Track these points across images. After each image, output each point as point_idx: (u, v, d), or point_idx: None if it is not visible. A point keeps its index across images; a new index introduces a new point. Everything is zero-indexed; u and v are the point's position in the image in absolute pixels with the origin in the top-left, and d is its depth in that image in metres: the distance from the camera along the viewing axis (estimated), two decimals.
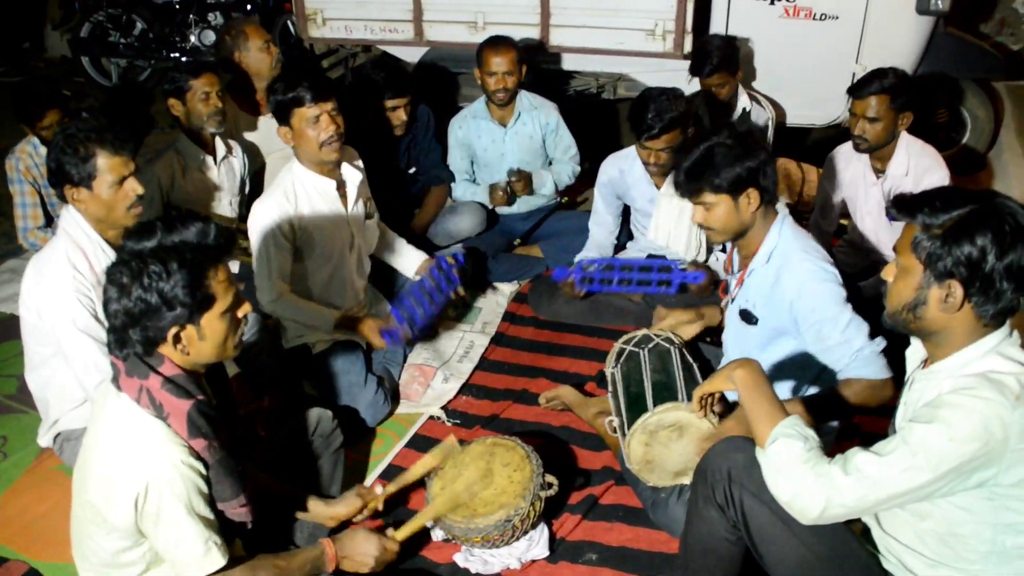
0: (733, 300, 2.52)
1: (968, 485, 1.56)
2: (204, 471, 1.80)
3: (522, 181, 3.93)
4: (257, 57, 3.86)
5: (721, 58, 3.94)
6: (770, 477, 1.69)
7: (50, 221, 3.96)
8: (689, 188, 2.34)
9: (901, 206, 1.63)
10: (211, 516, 1.83)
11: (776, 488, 1.67)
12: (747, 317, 2.46)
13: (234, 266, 3.61)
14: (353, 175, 3.08)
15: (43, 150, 3.83)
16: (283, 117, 2.86)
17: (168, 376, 1.75)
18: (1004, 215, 1.52)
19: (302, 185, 2.94)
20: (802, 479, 1.62)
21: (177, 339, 1.74)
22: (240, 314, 1.83)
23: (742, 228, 2.36)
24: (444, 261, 3.32)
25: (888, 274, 1.70)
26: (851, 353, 2.23)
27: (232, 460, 1.85)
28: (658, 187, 3.42)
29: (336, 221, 3.03)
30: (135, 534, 1.80)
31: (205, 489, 1.81)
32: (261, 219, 2.89)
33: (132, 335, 1.71)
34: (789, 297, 2.31)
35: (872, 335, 2.25)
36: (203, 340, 1.77)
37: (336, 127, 2.85)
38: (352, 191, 3.09)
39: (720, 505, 1.86)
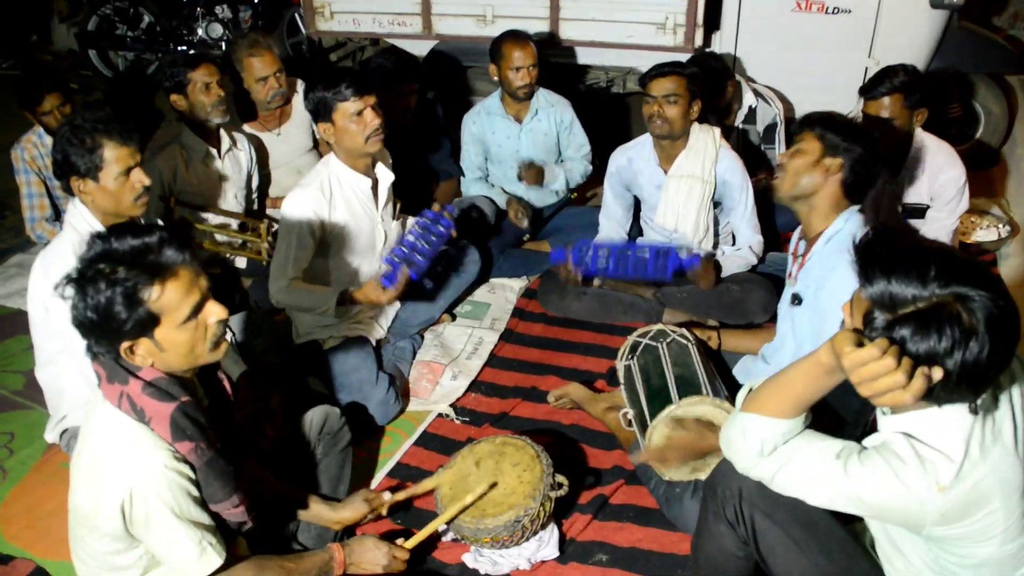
0: (794, 284, 2.50)
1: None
2: (192, 474, 1.76)
3: (533, 171, 3.89)
4: (254, 88, 3.79)
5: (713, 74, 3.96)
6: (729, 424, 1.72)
7: (57, 213, 3.95)
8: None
9: (860, 263, 1.47)
10: (203, 518, 1.79)
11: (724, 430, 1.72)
12: (795, 299, 2.45)
13: (241, 262, 3.60)
14: (386, 175, 3.13)
15: (48, 140, 3.84)
16: (325, 113, 2.89)
17: (149, 380, 1.70)
18: (959, 312, 1.34)
19: (338, 180, 2.98)
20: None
21: (131, 351, 1.68)
22: (212, 320, 1.73)
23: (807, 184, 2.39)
24: (430, 212, 3.18)
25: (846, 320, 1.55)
26: None
27: (223, 461, 1.80)
28: (665, 171, 3.39)
29: (366, 219, 3.07)
30: (126, 538, 1.77)
31: (194, 491, 1.77)
32: (294, 210, 2.91)
33: (93, 344, 1.67)
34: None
35: None
36: (164, 352, 1.70)
37: (380, 120, 2.90)
38: (383, 192, 3.12)
39: (730, 522, 1.84)
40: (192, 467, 1.76)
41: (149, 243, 1.65)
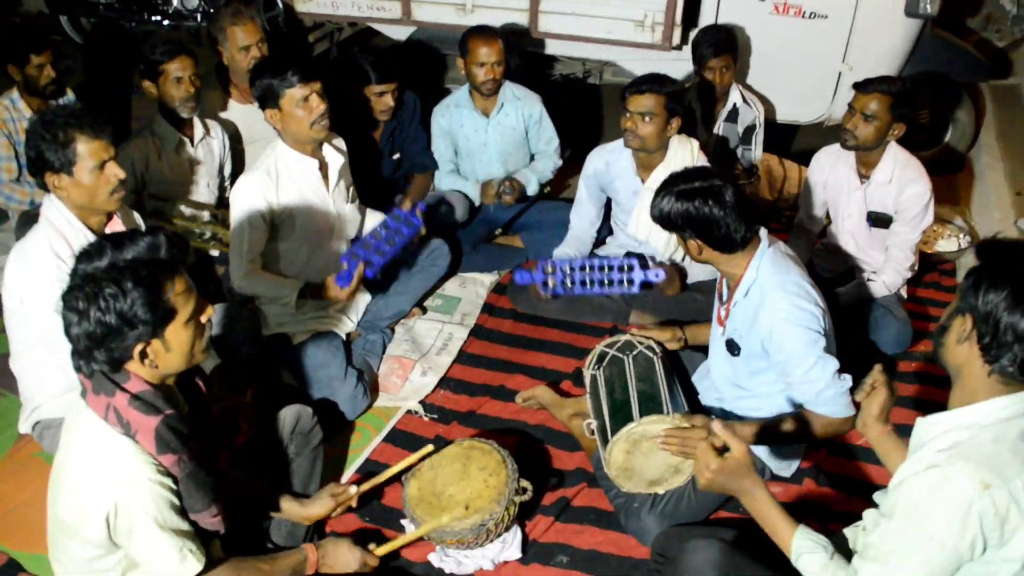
0: (724, 330, 2.55)
1: (975, 561, 1.60)
2: (174, 486, 1.82)
3: (515, 192, 3.90)
4: (236, 57, 3.74)
5: (726, 40, 4.04)
6: None
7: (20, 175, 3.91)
8: (656, 213, 2.44)
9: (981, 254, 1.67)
10: (184, 527, 1.85)
11: None
12: (731, 347, 2.52)
13: (214, 252, 3.61)
14: (335, 157, 3.14)
15: (21, 104, 3.84)
16: (272, 99, 2.90)
17: (135, 393, 1.75)
18: None
19: (285, 164, 3.00)
20: None
21: (144, 355, 1.73)
22: (204, 319, 1.82)
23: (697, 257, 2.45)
24: (400, 210, 3.28)
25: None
26: (813, 393, 2.34)
27: (202, 472, 1.86)
28: (643, 180, 3.42)
29: (317, 202, 3.09)
30: (108, 545, 1.82)
31: (176, 502, 1.83)
32: (241, 195, 2.95)
33: (97, 356, 1.71)
34: (763, 335, 2.37)
35: (846, 363, 2.34)
36: (170, 351, 1.77)
37: (325, 106, 2.92)
38: (333, 173, 3.14)
39: None
40: (174, 479, 1.82)
41: (156, 242, 1.72)
